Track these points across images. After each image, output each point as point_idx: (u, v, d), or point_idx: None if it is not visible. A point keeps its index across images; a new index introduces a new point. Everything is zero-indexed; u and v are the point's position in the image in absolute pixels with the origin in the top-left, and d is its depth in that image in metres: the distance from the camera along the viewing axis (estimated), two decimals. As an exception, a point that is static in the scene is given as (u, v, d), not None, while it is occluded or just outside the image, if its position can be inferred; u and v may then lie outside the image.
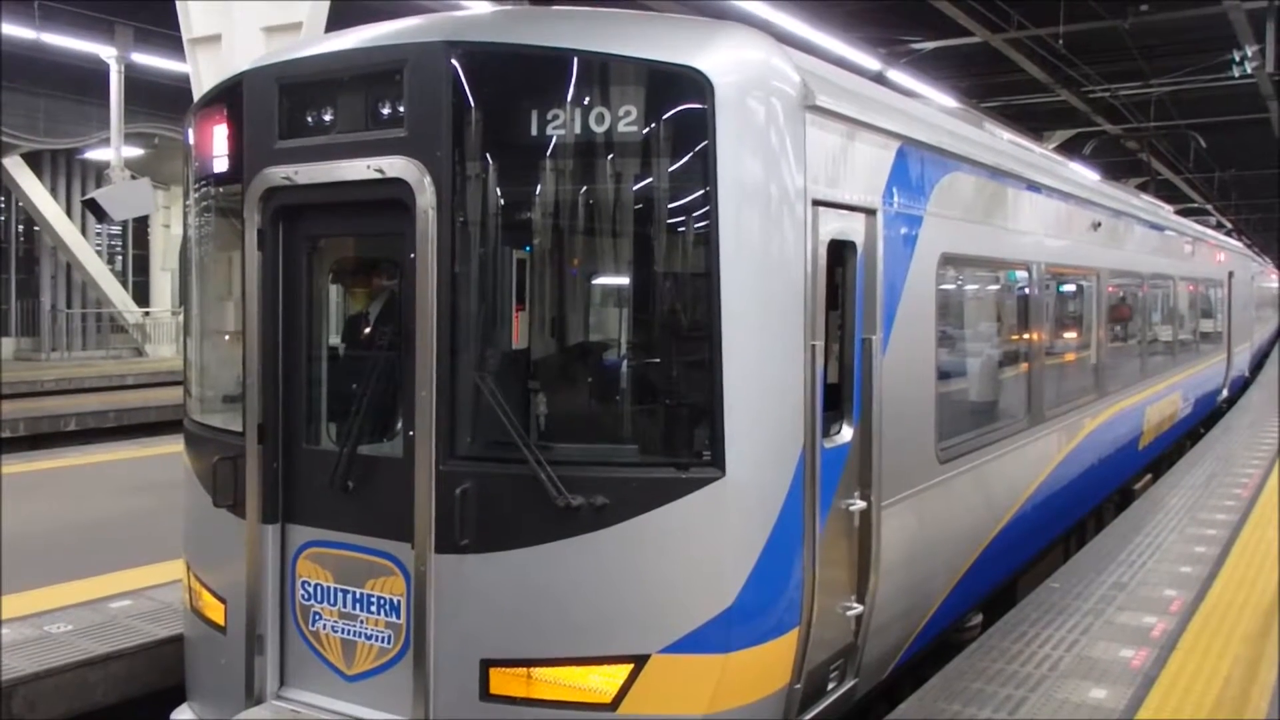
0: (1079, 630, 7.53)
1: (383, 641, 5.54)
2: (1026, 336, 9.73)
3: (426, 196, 5.23)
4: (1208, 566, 9.16)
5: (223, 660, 6.05)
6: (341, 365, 6.07)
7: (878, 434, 6.26)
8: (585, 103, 5.13)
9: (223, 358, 6.64)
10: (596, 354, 5.98)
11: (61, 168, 37.19)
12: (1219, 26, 23.55)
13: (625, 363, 5.68)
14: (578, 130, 5.14)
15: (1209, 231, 24.24)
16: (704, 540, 5.11)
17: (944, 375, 7.61)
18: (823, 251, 5.67)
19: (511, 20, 6.18)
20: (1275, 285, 49.76)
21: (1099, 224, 12.03)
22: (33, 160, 34.07)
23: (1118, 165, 40.30)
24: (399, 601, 5.46)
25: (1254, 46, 23.51)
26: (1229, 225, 51.69)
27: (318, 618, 5.76)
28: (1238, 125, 35.77)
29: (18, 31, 22.90)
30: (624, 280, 5.73)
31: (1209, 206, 52.96)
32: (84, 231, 36.83)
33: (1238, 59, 23.95)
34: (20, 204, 35.53)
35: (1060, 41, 22.67)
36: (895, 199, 6.60)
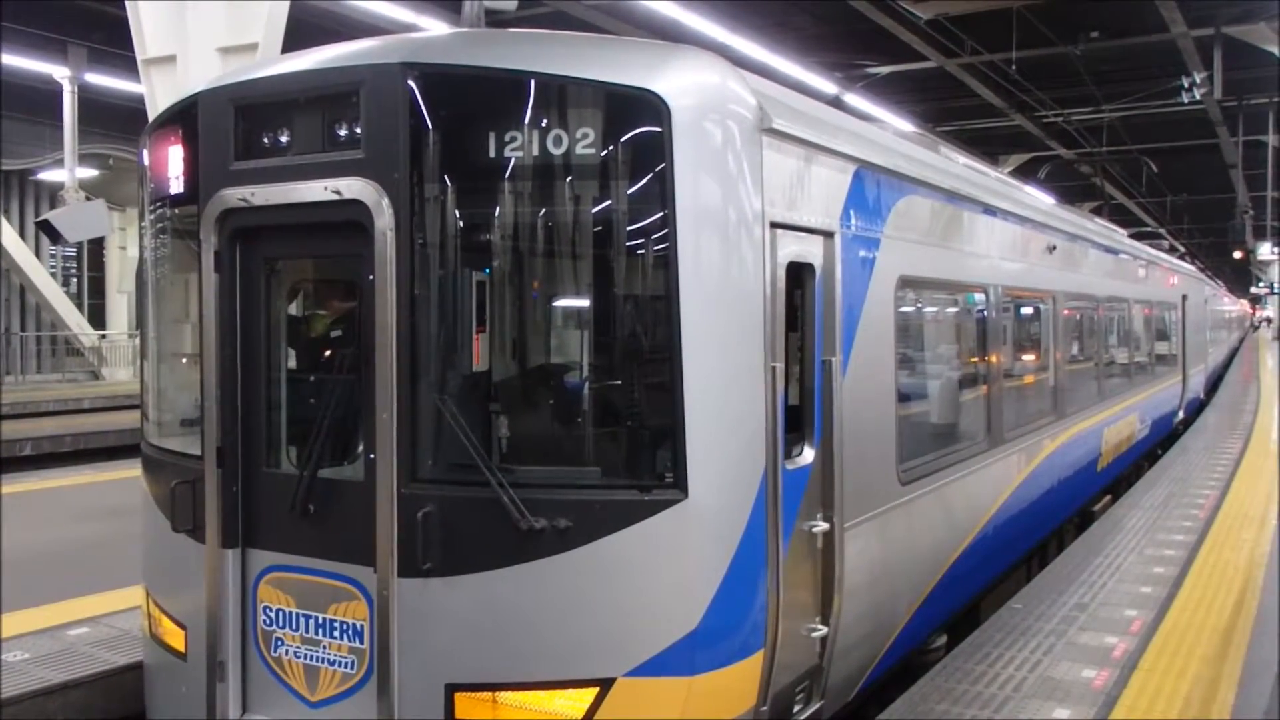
0: (1042, 651, 7.55)
1: (346, 667, 5.48)
2: (985, 358, 9.79)
3: (385, 218, 5.21)
4: (1167, 587, 9.22)
5: (183, 688, 5.96)
6: (301, 388, 6.02)
7: (839, 456, 6.27)
8: (543, 125, 5.13)
9: (181, 381, 6.58)
10: (558, 376, 5.96)
11: (14, 189, 36.85)
12: (1168, 53, 23.98)
13: (587, 385, 5.67)
14: (535, 152, 5.13)
15: (1162, 255, 24.50)
16: (668, 563, 5.09)
17: (904, 397, 7.65)
18: (781, 274, 5.69)
19: (468, 42, 6.18)
20: (1228, 308, 50.44)
21: (1054, 247, 12.15)
22: (-16, 182, 33.78)
23: (1072, 189, 40.87)
24: (362, 626, 5.40)
25: (1202, 73, 23.94)
26: (1182, 249, 52.38)
27: (280, 643, 5.69)
28: (1189, 150, 36.40)
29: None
30: (584, 302, 5.74)
31: (1162, 230, 53.66)
32: (38, 254, 36.47)
33: (1186, 85, 24.37)
34: (-29, 227, 35.14)
35: (1013, 67, 22.99)
36: (853, 222, 6.63)
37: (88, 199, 23.50)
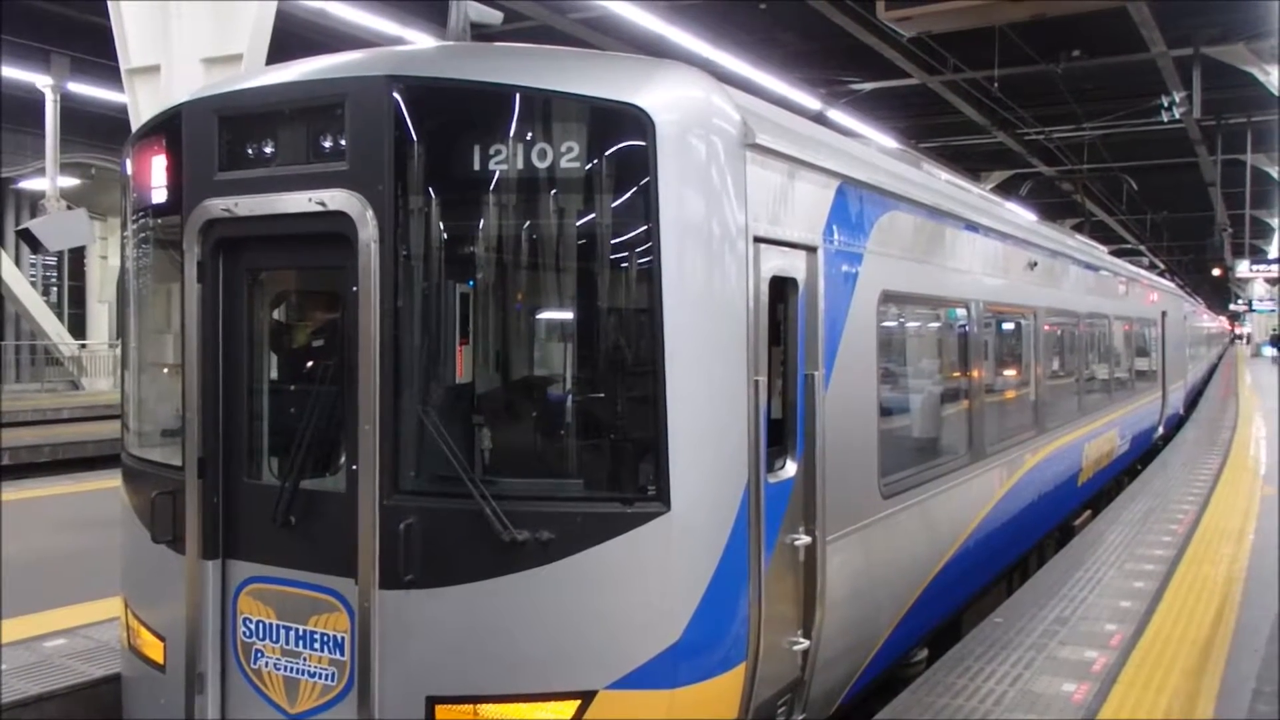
0: (1022, 665, 7.56)
1: (327, 679, 5.46)
2: (966, 373, 9.82)
3: (369, 230, 5.21)
4: (1146, 601, 9.25)
5: (162, 700, 5.93)
6: (284, 399, 6.01)
7: (821, 469, 6.28)
8: (527, 138, 5.14)
9: (162, 391, 6.55)
10: (541, 389, 5.96)
11: (-5, 198, 36.67)
12: (1148, 73, 24.14)
13: (570, 397, 5.67)
14: (520, 166, 5.14)
15: (1142, 272, 24.64)
16: (650, 575, 5.09)
17: (886, 411, 7.67)
18: (765, 288, 5.71)
19: (454, 55, 6.18)
20: (1207, 325, 50.70)
21: (1035, 263, 12.21)
22: (-36, 191, 33.63)
23: (1053, 206, 41.08)
24: (343, 638, 5.39)
25: (1182, 92, 24.14)
26: (1161, 266, 52.69)
27: (260, 655, 5.67)
28: (1168, 169, 36.65)
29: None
30: (567, 315, 5.73)
31: (1142, 247, 53.99)
32: (18, 262, 36.28)
33: (1166, 104, 24.58)
34: (-49, 236, 34.99)
35: (995, 84, 23.10)
36: (836, 237, 6.66)
37: (69, 208, 23.41)
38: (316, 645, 5.47)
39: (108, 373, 36.41)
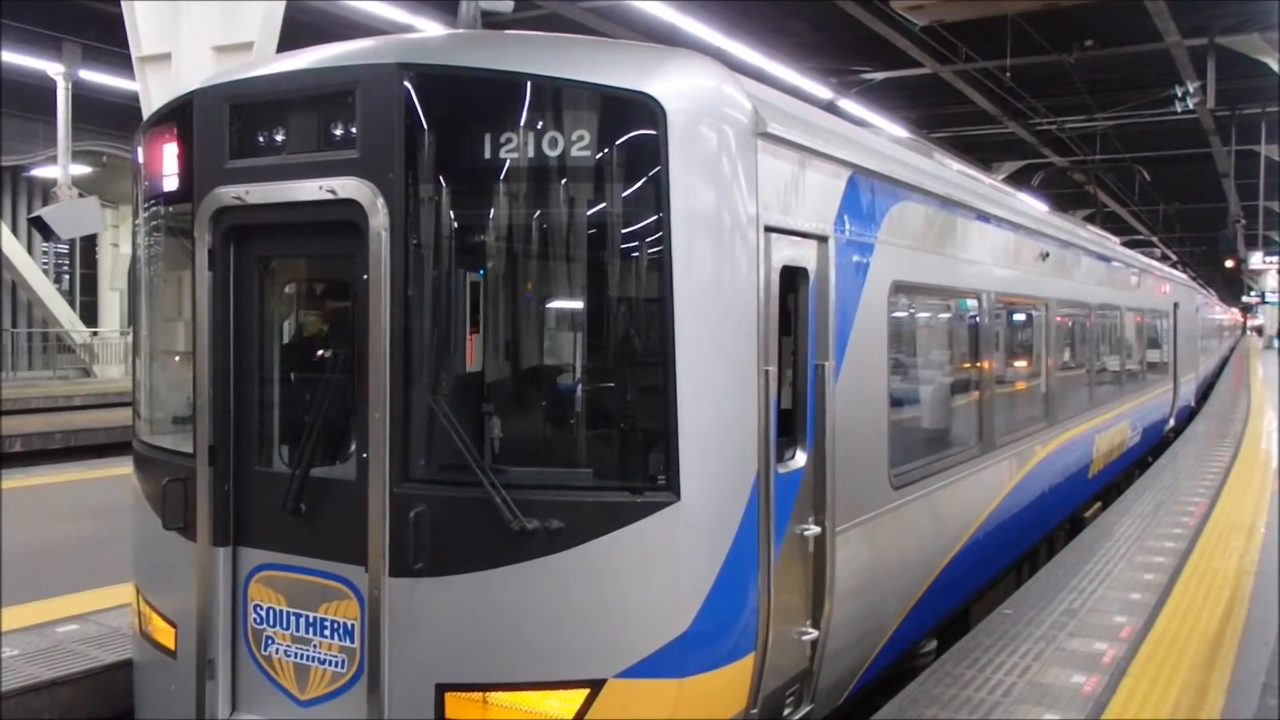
0: (1031, 656, 7.56)
1: (336, 666, 5.48)
2: (977, 364, 9.80)
3: (379, 218, 5.21)
4: (1156, 594, 9.24)
5: (173, 685, 5.95)
6: (294, 387, 6.01)
7: (831, 459, 6.27)
8: (538, 127, 5.13)
9: (173, 379, 6.57)
10: (550, 378, 5.95)
11: (7, 185, 36.77)
12: (1162, 63, 24.04)
13: (580, 387, 5.67)
14: (531, 154, 5.13)
15: (1154, 263, 24.55)
16: (659, 564, 5.09)
17: (896, 402, 7.66)
18: (775, 278, 5.69)
19: (464, 44, 6.18)
20: (1219, 317, 50.51)
21: (1047, 254, 12.17)
22: (-24, 178, 33.71)
23: (1065, 197, 40.97)
24: (353, 625, 5.40)
25: (1195, 83, 24.05)
26: (1174, 258, 52.50)
27: (270, 642, 5.69)
28: (1181, 160, 36.51)
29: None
30: (578, 305, 5.73)
31: (1154, 239, 53.79)
32: (30, 250, 36.37)
33: (1180, 95, 24.50)
34: (-37, 223, 35.04)
35: (1007, 74, 23.02)
36: (847, 227, 6.64)
37: (81, 196, 23.49)
38: (326, 632, 5.49)
39: (119, 360, 36.52)
